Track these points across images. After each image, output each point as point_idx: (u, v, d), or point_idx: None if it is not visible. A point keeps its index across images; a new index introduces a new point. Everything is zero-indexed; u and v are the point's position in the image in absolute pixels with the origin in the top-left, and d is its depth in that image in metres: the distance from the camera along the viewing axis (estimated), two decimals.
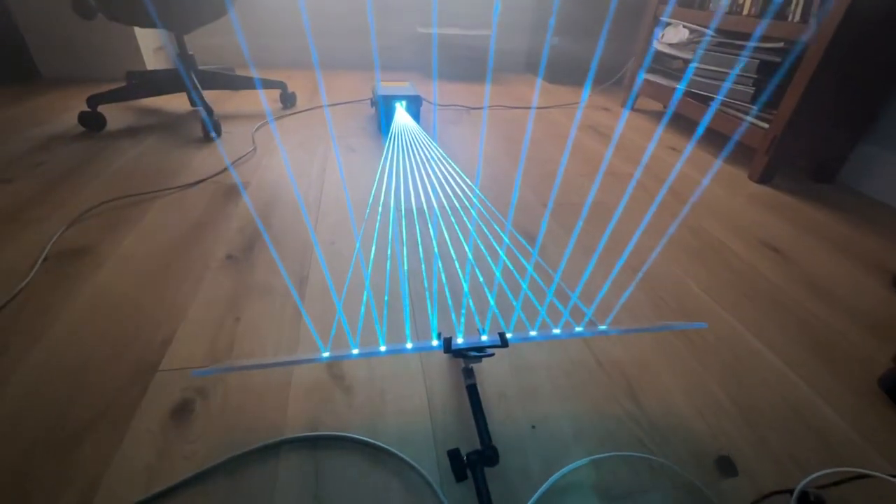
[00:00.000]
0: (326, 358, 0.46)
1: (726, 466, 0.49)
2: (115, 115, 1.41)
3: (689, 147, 1.46)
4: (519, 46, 2.42)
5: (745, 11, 1.26)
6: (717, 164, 1.34)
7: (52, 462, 0.44)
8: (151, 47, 1.88)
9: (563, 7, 2.05)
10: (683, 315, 0.71)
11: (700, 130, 1.60)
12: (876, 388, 0.59)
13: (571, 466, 0.48)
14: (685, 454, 0.50)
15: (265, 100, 1.66)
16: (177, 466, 0.45)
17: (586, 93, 2.05)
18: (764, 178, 1.22)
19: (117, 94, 1.30)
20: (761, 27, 1.17)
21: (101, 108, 1.29)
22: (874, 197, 1.20)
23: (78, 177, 1.01)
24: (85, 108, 1.27)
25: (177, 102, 1.57)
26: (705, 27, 1.39)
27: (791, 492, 0.46)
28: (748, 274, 0.82)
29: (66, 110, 1.43)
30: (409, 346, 0.48)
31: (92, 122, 1.28)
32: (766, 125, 1.18)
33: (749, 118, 1.23)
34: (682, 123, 1.71)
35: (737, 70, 1.24)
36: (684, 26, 1.47)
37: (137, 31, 1.77)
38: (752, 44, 1.21)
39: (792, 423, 0.54)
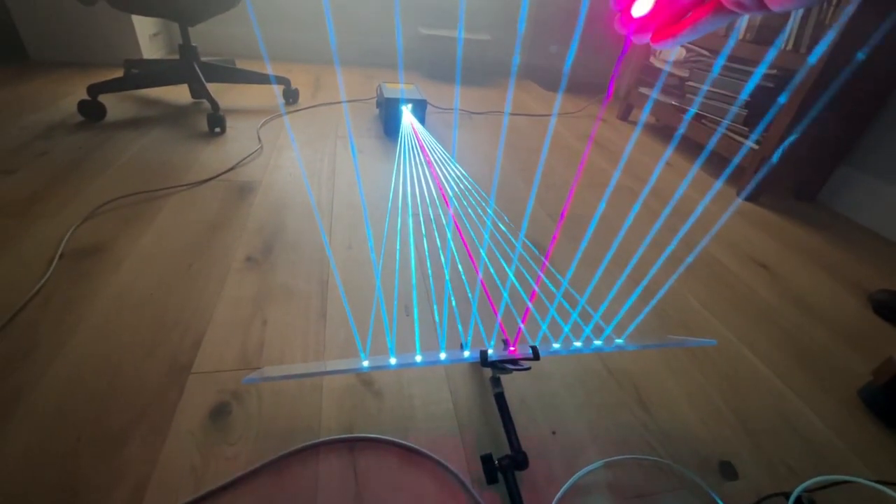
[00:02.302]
0: (367, 368, 0.48)
1: (727, 470, 0.53)
2: (115, 105, 1.38)
3: (694, 167, 1.53)
4: (519, 54, 2.45)
5: (742, 37, 1.32)
6: (718, 185, 1.40)
7: (99, 460, 0.45)
8: (148, 34, 1.84)
9: (562, 18, 2.09)
10: (683, 326, 0.76)
11: (676, 138, 1.67)
12: (857, 399, 0.65)
13: (588, 469, 0.52)
14: (690, 458, 0.54)
15: (268, 95, 1.65)
16: (221, 467, 0.47)
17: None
18: (752, 196, 1.29)
19: (119, 83, 1.28)
20: (773, 51, 1.24)
21: (100, 98, 1.26)
22: (849, 216, 1.28)
23: (84, 169, 1.00)
24: (84, 96, 1.24)
25: (177, 93, 1.55)
26: (702, 48, 1.45)
27: (785, 495, 0.51)
28: (740, 289, 0.88)
29: (63, 97, 1.39)
30: (442, 356, 0.51)
31: (92, 111, 1.25)
32: (756, 146, 1.25)
33: (741, 139, 1.30)
34: (678, 139, 1.78)
35: (742, 93, 1.31)
36: (682, 45, 1.53)
37: (135, 16, 1.73)
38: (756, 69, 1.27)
39: (783, 430, 0.60)
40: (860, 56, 1.06)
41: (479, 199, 1.06)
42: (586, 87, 2.29)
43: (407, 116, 1.40)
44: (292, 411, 0.54)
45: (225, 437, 0.50)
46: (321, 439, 0.50)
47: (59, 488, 0.43)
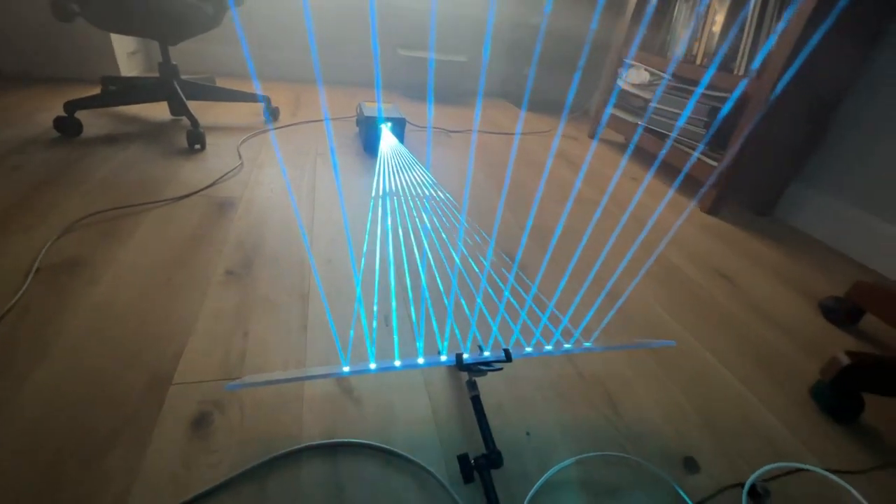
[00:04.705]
0: (348, 373, 0.50)
1: (690, 465, 0.57)
2: (92, 122, 1.37)
3: (648, 176, 1.61)
4: (494, 74, 2.55)
5: (698, 62, 1.42)
6: (693, 204, 1.48)
7: (80, 471, 0.46)
8: (126, 51, 1.84)
9: (535, 40, 2.19)
10: (650, 332, 0.80)
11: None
12: (808, 397, 0.70)
13: (559, 466, 0.54)
14: (656, 454, 0.57)
15: (248, 113, 1.67)
16: (203, 476, 0.47)
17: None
18: (713, 210, 1.37)
19: (97, 100, 1.28)
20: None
21: (77, 114, 1.26)
22: (802, 230, 1.37)
23: (60, 185, 0.99)
24: (60, 112, 1.24)
25: (156, 110, 1.55)
26: (664, 72, 1.55)
27: (743, 485, 0.55)
28: (702, 296, 0.93)
29: (38, 112, 1.38)
30: (420, 360, 0.53)
31: (69, 127, 1.24)
32: (715, 163, 1.33)
33: (700, 156, 1.39)
34: (643, 156, 1.87)
35: (691, 112, 1.40)
36: (645, 69, 1.63)
37: (113, 34, 1.73)
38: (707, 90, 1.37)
39: (742, 427, 0.64)
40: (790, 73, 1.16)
41: (454, 211, 1.09)
42: (560, 106, 2.39)
43: (386, 134, 1.44)
44: (274, 419, 0.55)
45: (207, 445, 0.50)
46: (302, 445, 0.51)
47: (39, 499, 0.43)
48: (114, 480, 0.45)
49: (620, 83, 1.76)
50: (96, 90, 1.50)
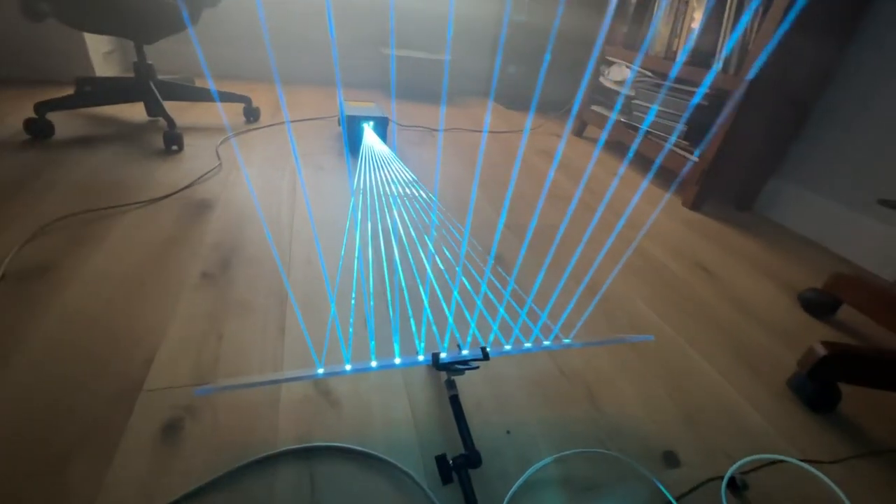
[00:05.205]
0: (322, 374, 0.49)
1: (671, 459, 0.57)
2: (65, 123, 1.34)
3: (649, 180, 1.62)
4: (477, 72, 2.54)
5: (677, 58, 1.43)
6: (668, 195, 1.49)
7: (41, 484, 0.44)
8: (101, 51, 1.80)
9: (520, 38, 2.19)
10: (631, 327, 0.80)
11: (631, 155, 1.77)
12: (785, 388, 0.71)
13: (539, 465, 0.54)
14: (636, 449, 0.57)
15: (228, 113, 1.64)
16: (172, 484, 0.46)
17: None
18: (695, 206, 1.38)
19: (69, 101, 1.25)
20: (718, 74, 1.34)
21: (49, 116, 1.22)
22: (781, 223, 1.39)
23: (29, 189, 0.96)
24: (31, 114, 1.20)
25: (131, 111, 1.52)
26: (646, 69, 1.56)
27: (722, 478, 0.55)
28: (684, 291, 0.94)
29: (7, 114, 1.34)
30: (397, 361, 0.52)
31: (39, 129, 1.21)
32: (697, 159, 1.34)
33: (681, 151, 1.40)
34: (625, 153, 1.88)
35: (682, 109, 1.41)
36: (627, 66, 1.64)
37: (87, 34, 1.69)
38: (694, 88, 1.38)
39: (722, 420, 0.64)
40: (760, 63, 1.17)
41: (434, 209, 1.09)
42: (546, 105, 2.40)
43: (368, 133, 1.43)
44: (248, 424, 0.53)
45: (177, 452, 0.49)
46: (277, 450, 0.50)
47: None
48: (76, 492, 0.44)
49: (602, 80, 1.77)
50: (71, 92, 1.46)
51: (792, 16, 1.10)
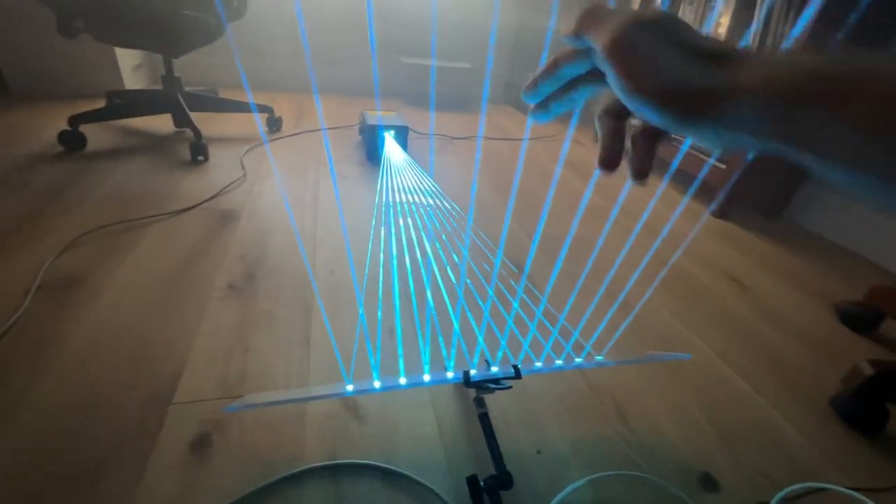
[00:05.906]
0: (351, 392, 0.49)
1: (708, 482, 0.54)
2: (96, 135, 1.38)
3: (667, 185, 1.58)
4: (497, 78, 2.54)
5: None
6: (685, 201, 1.45)
7: (73, 498, 0.44)
8: (130, 65, 1.86)
9: (539, 45, 2.18)
10: (661, 341, 0.78)
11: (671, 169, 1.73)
12: (828, 407, 0.68)
13: (572, 486, 0.52)
14: (672, 471, 0.55)
15: (251, 123, 1.67)
16: (201, 500, 0.46)
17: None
18: (722, 214, 1.34)
19: (101, 113, 1.29)
20: None
21: (81, 128, 1.26)
22: (812, 231, 1.34)
23: (65, 200, 0.99)
24: (65, 126, 1.24)
25: (159, 123, 1.55)
26: None
27: None
28: (714, 303, 0.91)
29: (43, 128, 1.39)
30: (426, 378, 0.51)
31: (73, 141, 1.25)
32: (723, 166, 1.31)
33: (710, 159, 1.36)
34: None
35: None
36: None
37: (118, 48, 1.75)
38: None
39: (760, 440, 0.61)
40: None
41: (459, 220, 1.08)
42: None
43: (389, 142, 1.43)
44: (275, 440, 0.53)
45: (206, 467, 0.49)
46: (303, 467, 0.50)
47: None
48: None
49: None
50: (102, 104, 1.51)
51: (826, 24, 1.06)
